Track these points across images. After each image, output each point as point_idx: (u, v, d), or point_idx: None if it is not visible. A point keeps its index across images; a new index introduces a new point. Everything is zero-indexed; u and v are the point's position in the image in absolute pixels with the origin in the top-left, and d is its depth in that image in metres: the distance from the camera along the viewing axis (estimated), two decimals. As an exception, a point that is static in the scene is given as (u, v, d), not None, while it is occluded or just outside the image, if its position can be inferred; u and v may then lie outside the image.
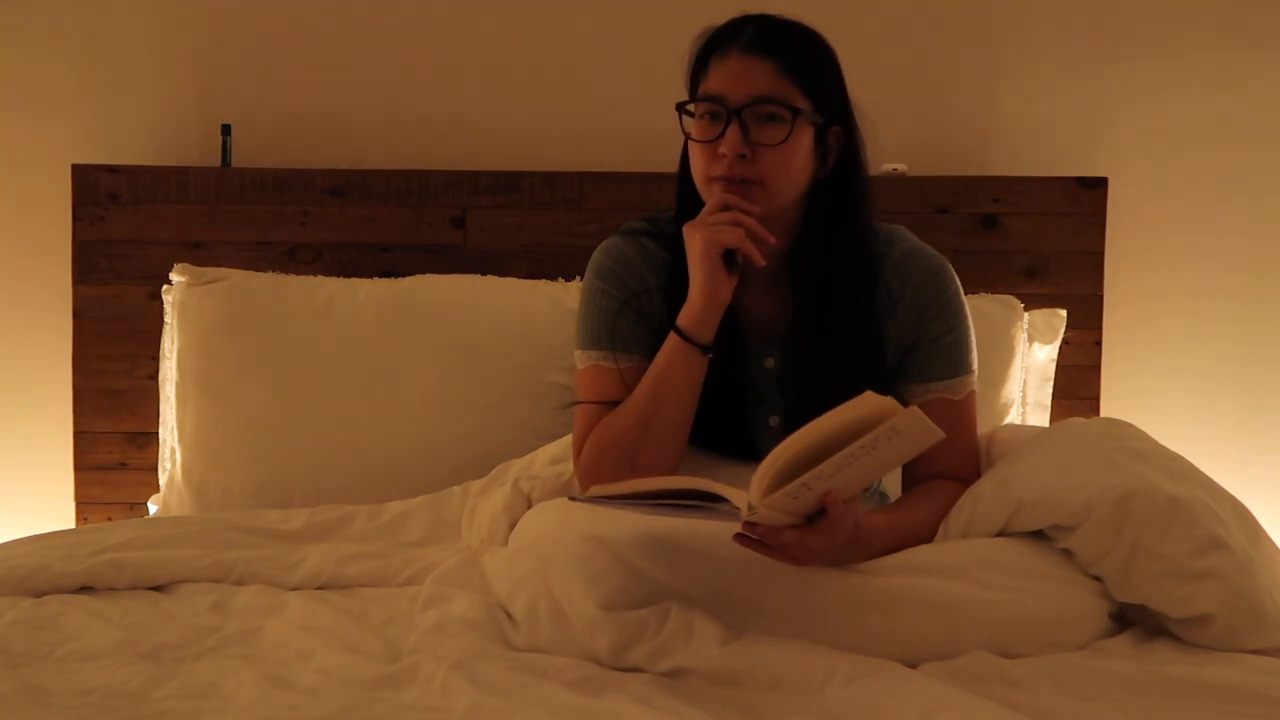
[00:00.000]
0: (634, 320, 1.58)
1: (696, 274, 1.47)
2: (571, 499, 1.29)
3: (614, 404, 1.55)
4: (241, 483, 2.09)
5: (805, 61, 1.49)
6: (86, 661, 1.32)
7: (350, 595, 1.57)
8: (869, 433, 1.16)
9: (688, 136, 1.52)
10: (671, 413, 1.50)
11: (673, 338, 1.49)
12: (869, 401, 1.16)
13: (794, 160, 1.48)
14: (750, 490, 1.19)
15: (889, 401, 1.17)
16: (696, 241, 1.46)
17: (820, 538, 1.25)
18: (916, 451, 1.30)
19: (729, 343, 1.56)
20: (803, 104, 1.47)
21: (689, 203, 1.55)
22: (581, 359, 1.60)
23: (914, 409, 1.18)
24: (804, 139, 1.48)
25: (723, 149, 1.46)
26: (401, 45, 2.45)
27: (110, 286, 2.33)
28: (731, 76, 1.47)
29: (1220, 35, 2.49)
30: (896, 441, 1.20)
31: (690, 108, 1.52)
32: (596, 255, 1.62)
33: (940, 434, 1.23)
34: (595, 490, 1.28)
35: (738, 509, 1.20)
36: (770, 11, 1.52)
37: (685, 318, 1.49)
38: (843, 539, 1.27)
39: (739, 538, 1.27)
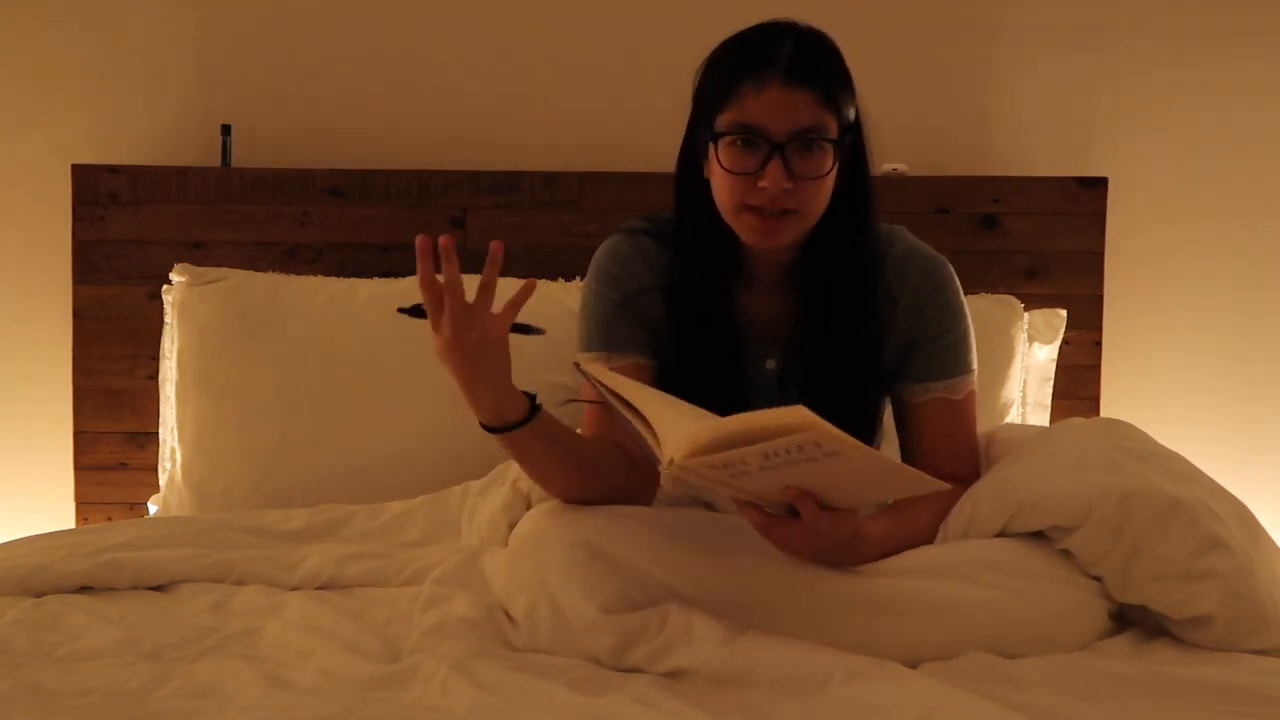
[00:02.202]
0: (630, 320, 1.58)
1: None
2: (575, 365, 1.38)
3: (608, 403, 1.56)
4: (241, 483, 2.09)
5: (839, 86, 1.45)
6: (86, 661, 1.32)
7: (350, 595, 1.57)
8: (786, 437, 1.13)
9: (718, 163, 1.45)
10: (555, 476, 1.46)
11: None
12: (793, 414, 1.12)
13: (828, 186, 1.47)
14: (676, 445, 1.18)
15: (809, 418, 1.11)
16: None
17: (796, 537, 1.26)
18: (908, 493, 1.30)
19: (730, 344, 1.57)
20: (836, 130, 1.44)
21: (687, 204, 1.54)
22: (581, 360, 1.60)
23: (833, 431, 1.12)
24: (836, 162, 1.46)
25: (764, 183, 1.42)
26: (401, 45, 2.45)
27: (110, 286, 2.33)
28: (772, 108, 1.41)
29: (1220, 36, 2.49)
30: (853, 468, 1.17)
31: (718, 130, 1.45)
32: (596, 256, 1.62)
33: (943, 486, 1.21)
34: (588, 365, 1.36)
35: (659, 458, 1.20)
36: (775, 16, 1.48)
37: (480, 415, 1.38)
38: (827, 543, 1.27)
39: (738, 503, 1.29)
